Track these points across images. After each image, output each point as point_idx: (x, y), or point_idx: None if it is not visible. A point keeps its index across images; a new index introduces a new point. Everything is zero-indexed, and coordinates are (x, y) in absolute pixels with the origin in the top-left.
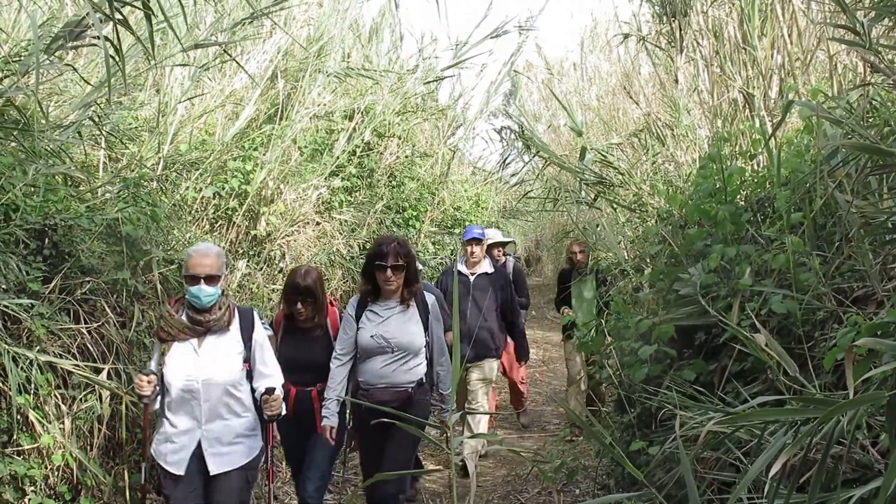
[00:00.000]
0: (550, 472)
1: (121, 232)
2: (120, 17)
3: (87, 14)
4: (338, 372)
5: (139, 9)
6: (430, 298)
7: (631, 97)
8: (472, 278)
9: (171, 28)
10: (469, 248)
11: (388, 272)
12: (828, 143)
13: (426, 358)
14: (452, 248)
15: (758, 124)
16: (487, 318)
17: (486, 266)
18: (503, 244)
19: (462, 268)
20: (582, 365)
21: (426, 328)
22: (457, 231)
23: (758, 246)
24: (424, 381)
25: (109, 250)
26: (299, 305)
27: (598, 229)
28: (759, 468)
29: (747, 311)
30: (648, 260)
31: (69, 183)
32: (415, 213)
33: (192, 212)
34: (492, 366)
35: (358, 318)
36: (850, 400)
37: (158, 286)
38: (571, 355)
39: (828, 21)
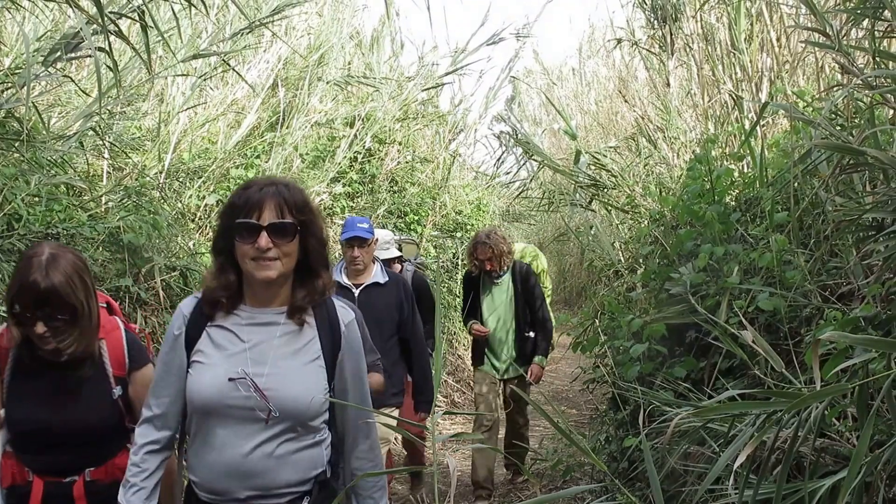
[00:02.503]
0: (548, 469)
1: (122, 240)
2: (115, 28)
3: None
4: (143, 459)
5: (134, 20)
6: (343, 314)
7: (626, 101)
8: (356, 292)
9: (166, 42)
10: (349, 252)
11: (263, 241)
12: (801, 144)
13: (329, 434)
14: (454, 251)
15: (747, 126)
16: (382, 350)
17: (376, 274)
18: (397, 257)
19: (341, 277)
20: (496, 405)
21: (331, 373)
22: (458, 235)
23: (746, 245)
24: (329, 478)
25: (112, 258)
26: (40, 327)
27: (592, 231)
28: (727, 459)
29: (735, 308)
30: (641, 260)
31: (72, 192)
32: (416, 218)
33: (196, 219)
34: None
35: (191, 343)
36: (813, 392)
37: (161, 293)
38: (482, 389)
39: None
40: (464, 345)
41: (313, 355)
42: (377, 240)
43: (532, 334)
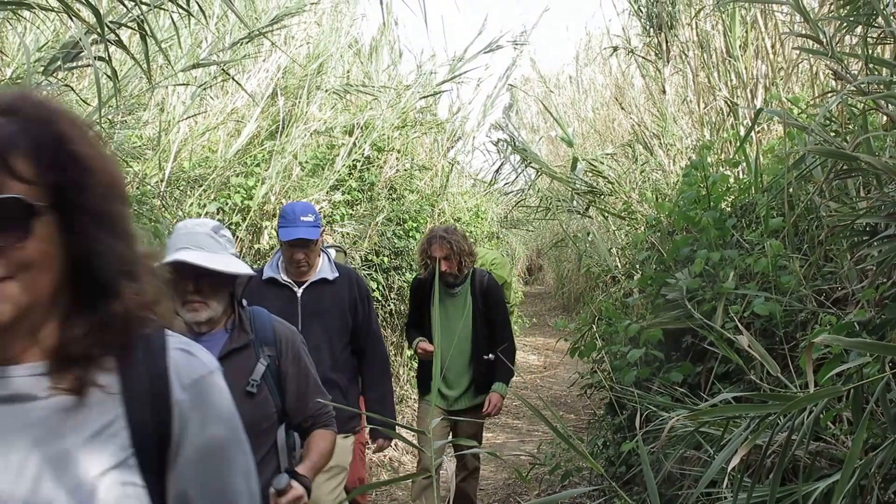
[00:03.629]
0: (547, 473)
1: None
2: (115, 38)
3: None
4: None
5: (134, 30)
6: (184, 365)
7: (623, 108)
8: (299, 291)
9: (164, 54)
10: (291, 254)
11: None
12: (795, 150)
13: None
14: None
15: (742, 132)
16: (333, 362)
17: (323, 268)
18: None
19: (277, 273)
20: (444, 447)
21: (157, 496)
22: None
23: (741, 250)
24: None
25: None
26: None
27: (589, 237)
28: (721, 463)
29: (731, 313)
30: (637, 266)
31: None
32: (415, 225)
33: None
34: (344, 446)
35: None
36: (807, 395)
37: None
38: (428, 424)
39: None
40: None
41: (110, 459)
42: (324, 230)
43: (490, 357)
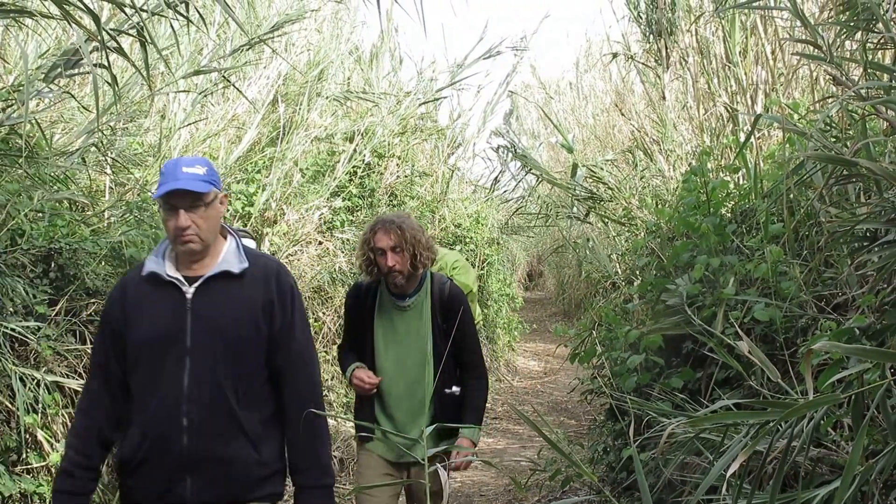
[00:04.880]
0: (547, 479)
1: (125, 255)
2: (115, 45)
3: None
4: None
5: (134, 37)
6: None
7: (623, 114)
8: (189, 291)
9: (165, 62)
10: (171, 221)
11: None
12: (795, 156)
13: None
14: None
15: (741, 138)
16: (237, 395)
17: (227, 257)
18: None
19: (163, 265)
20: None
21: None
22: (458, 248)
23: (741, 256)
24: None
25: (114, 273)
26: None
27: (589, 243)
28: (720, 469)
29: (731, 319)
30: (637, 272)
31: (74, 208)
32: None
33: None
34: None
35: None
36: (807, 402)
37: None
38: (368, 479)
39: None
40: None
41: None
42: (226, 197)
43: (456, 390)
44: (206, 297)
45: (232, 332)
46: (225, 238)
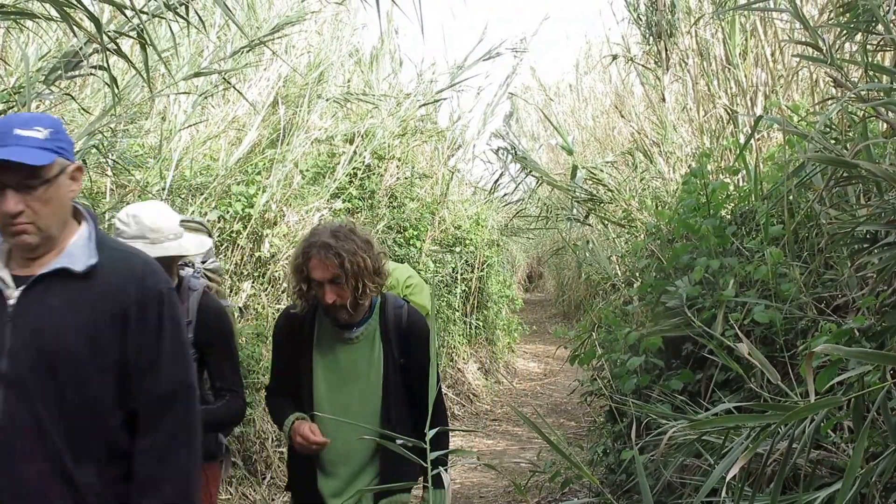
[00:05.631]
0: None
1: None
2: (115, 47)
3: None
4: None
5: (134, 39)
6: None
7: (623, 116)
8: (13, 295)
9: (165, 63)
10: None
11: None
12: (795, 157)
13: None
14: (453, 265)
15: (741, 140)
16: (73, 447)
17: (72, 250)
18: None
19: None
20: None
21: None
22: (457, 250)
23: (741, 258)
24: None
25: None
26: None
27: (589, 245)
28: (721, 472)
29: (731, 321)
30: (637, 274)
31: None
32: (416, 233)
33: None
34: None
35: None
36: (807, 405)
37: None
38: None
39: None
40: (463, 358)
41: None
42: (80, 170)
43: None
44: (35, 305)
45: (63, 354)
46: (79, 224)
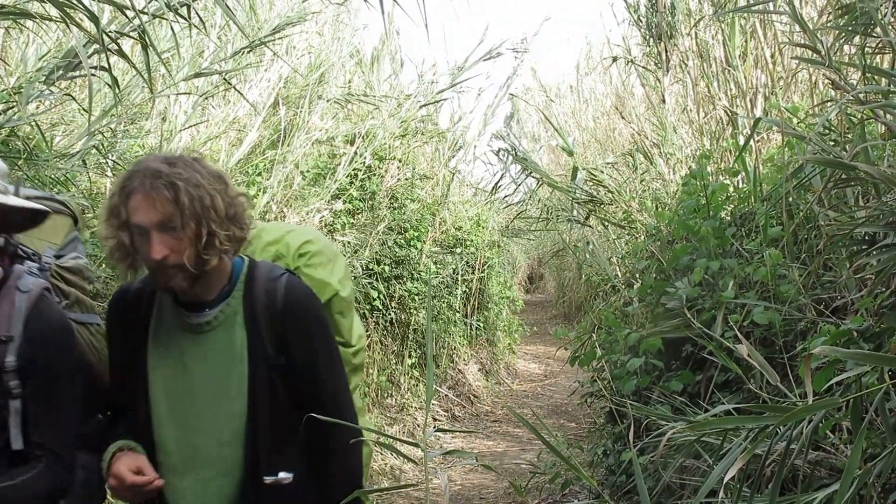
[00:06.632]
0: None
1: None
2: (116, 48)
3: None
4: None
5: (135, 39)
6: None
7: (623, 117)
8: None
9: (165, 64)
10: None
11: None
12: (794, 159)
13: None
14: (454, 266)
15: (741, 142)
16: None
17: None
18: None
19: None
20: None
21: None
22: (458, 251)
23: (741, 259)
24: None
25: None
26: None
27: (589, 247)
28: (720, 473)
29: (731, 322)
30: (637, 275)
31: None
32: (416, 234)
33: None
34: None
35: None
36: (806, 406)
37: None
38: None
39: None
40: (464, 359)
41: None
42: None
43: (288, 478)
44: None
45: None
46: None
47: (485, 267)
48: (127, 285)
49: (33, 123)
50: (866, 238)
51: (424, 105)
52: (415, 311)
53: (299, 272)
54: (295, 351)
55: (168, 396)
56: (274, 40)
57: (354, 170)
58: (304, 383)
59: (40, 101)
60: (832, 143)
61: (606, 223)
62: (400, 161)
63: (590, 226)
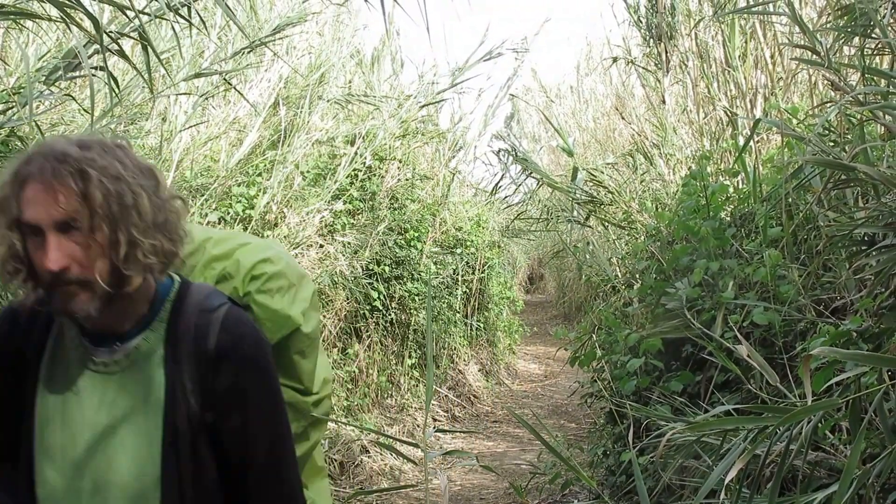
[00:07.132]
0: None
1: None
2: (117, 48)
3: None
4: None
5: (136, 40)
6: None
7: (623, 118)
8: None
9: (164, 65)
10: None
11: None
12: (794, 160)
13: None
14: (454, 266)
15: (741, 142)
16: None
17: None
18: None
19: None
20: None
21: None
22: (458, 251)
23: (741, 260)
24: None
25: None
26: None
27: (589, 247)
28: (720, 473)
29: (731, 323)
30: (637, 276)
31: None
32: (416, 235)
33: None
34: None
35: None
36: (805, 407)
37: None
38: None
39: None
40: (464, 360)
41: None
42: None
43: None
44: None
45: None
46: None
47: (485, 267)
48: (20, 302)
49: (34, 124)
50: (866, 239)
51: (425, 105)
52: (415, 312)
53: (250, 300)
54: (225, 409)
55: (60, 455)
56: (274, 40)
57: (355, 170)
58: (234, 447)
59: (40, 101)
60: (832, 144)
61: (606, 224)
62: (400, 161)
63: (590, 226)
